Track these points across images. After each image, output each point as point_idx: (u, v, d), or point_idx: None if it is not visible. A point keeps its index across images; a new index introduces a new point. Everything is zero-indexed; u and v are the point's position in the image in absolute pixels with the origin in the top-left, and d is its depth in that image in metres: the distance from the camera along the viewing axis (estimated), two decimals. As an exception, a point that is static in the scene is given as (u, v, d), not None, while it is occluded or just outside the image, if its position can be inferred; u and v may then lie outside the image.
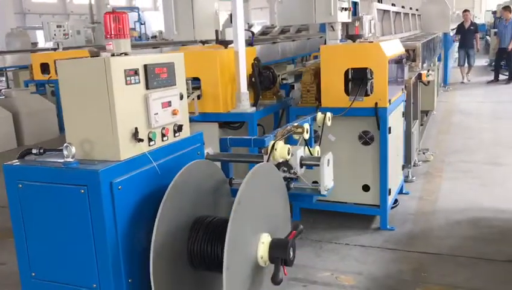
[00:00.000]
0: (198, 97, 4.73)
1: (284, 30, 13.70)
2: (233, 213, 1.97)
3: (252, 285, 2.20)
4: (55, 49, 10.68)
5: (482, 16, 32.85)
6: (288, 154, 2.54)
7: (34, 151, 2.26)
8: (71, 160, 2.12)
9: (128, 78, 2.17)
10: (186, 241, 2.30)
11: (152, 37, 24.34)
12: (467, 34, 14.29)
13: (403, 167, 5.78)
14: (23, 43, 15.74)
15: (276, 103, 5.31)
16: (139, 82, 2.24)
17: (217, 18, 5.51)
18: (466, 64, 14.49)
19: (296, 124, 3.15)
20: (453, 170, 6.60)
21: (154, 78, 2.30)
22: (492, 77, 14.37)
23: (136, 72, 2.21)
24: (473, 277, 3.90)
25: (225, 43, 5.03)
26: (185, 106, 2.59)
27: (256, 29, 18.41)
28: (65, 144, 2.11)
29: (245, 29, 5.52)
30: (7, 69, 14.03)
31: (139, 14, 26.76)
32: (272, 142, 2.57)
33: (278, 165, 2.57)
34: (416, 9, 12.26)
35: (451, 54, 15.19)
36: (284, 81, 6.10)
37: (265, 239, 2.24)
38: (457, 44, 17.61)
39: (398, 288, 3.85)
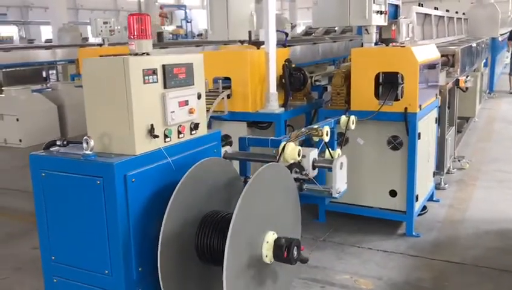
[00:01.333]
0: (229, 96, 4.83)
1: (329, 31, 13.61)
2: (237, 210, 2.05)
3: (254, 280, 2.27)
4: (100, 45, 11.05)
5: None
6: (299, 155, 2.60)
7: (58, 142, 2.43)
8: (89, 152, 2.26)
9: (146, 77, 2.29)
10: (196, 234, 2.40)
11: (198, 35, 24.70)
12: None
13: (435, 174, 5.71)
14: (73, 38, 16.31)
15: (306, 104, 5.35)
16: (157, 81, 2.36)
17: (251, 19, 5.59)
18: None
19: (316, 126, 3.19)
20: (488, 179, 6.44)
21: (172, 77, 2.41)
22: None
23: (154, 72, 2.33)
24: (494, 289, 3.84)
25: (257, 44, 5.11)
26: (203, 105, 2.69)
27: (300, 29, 18.40)
28: (84, 137, 2.26)
29: (279, 30, 5.60)
30: (57, 63, 14.61)
31: (185, 12, 27.21)
32: (283, 143, 2.63)
33: (291, 167, 2.63)
34: (463, 13, 11.97)
35: (501, 60, 14.63)
36: (317, 83, 6.11)
37: (270, 237, 2.30)
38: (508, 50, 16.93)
39: (416, 295, 3.83)
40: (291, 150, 2.61)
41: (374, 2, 4.91)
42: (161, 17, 27.76)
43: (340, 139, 3.83)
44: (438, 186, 5.98)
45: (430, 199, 5.60)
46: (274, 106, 4.83)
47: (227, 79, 4.89)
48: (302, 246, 2.33)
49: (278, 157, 2.63)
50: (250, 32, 5.26)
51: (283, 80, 5.01)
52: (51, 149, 2.46)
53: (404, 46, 4.76)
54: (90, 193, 2.24)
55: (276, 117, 4.78)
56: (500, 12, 13.85)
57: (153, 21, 22.52)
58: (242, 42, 5.74)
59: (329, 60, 10.19)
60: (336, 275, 4.11)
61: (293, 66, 5.22)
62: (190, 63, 2.55)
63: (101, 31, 10.98)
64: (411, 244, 4.63)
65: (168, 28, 27.27)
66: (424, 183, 5.14)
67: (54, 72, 16.04)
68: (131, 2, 33.76)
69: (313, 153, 2.71)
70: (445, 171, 6.21)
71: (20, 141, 9.05)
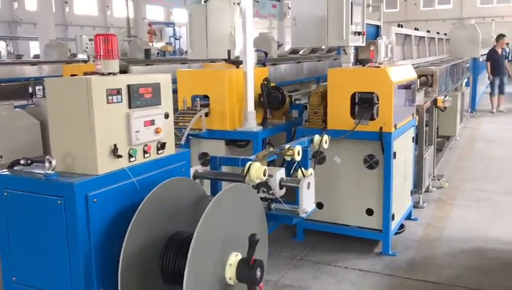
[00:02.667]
0: (207, 114, 4.86)
1: (315, 50, 13.74)
2: (196, 235, 2.05)
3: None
4: (85, 62, 11.06)
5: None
6: (264, 175, 2.61)
7: (22, 161, 2.41)
8: (51, 172, 2.25)
9: (110, 97, 2.30)
10: (160, 255, 2.39)
11: (187, 52, 24.76)
12: (500, 60, 13.89)
13: (413, 193, 5.75)
14: (61, 54, 16.31)
15: (285, 122, 5.39)
16: (122, 101, 2.37)
17: (231, 38, 5.64)
18: (497, 93, 13.81)
19: (287, 146, 3.21)
20: (467, 198, 6.49)
21: (137, 97, 2.42)
22: None
23: (118, 92, 2.34)
24: (467, 309, 3.86)
25: (236, 63, 5.16)
26: (171, 124, 2.69)
27: (287, 47, 18.55)
28: (47, 157, 2.25)
29: (258, 50, 5.66)
30: (44, 79, 14.58)
31: (174, 30, 27.35)
32: (249, 163, 2.64)
33: (258, 186, 2.64)
34: (445, 34, 12.17)
35: (482, 80, 14.83)
36: (297, 102, 6.16)
37: (234, 258, 2.30)
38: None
39: (389, 315, 3.83)
40: (256, 170, 2.62)
41: (351, 23, 4.98)
42: (150, 34, 27.92)
43: (313, 158, 3.84)
44: (416, 205, 6.02)
45: (408, 217, 5.63)
46: (252, 124, 4.85)
47: (206, 97, 4.92)
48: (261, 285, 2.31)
49: (244, 177, 2.64)
50: (229, 52, 5.30)
51: (261, 99, 5.05)
52: (15, 168, 2.44)
53: (379, 67, 4.83)
54: (51, 213, 2.22)
55: (253, 135, 4.81)
56: (484, 32, 14.08)
57: (141, 38, 22.58)
58: (226, 61, 5.78)
59: (314, 78, 10.27)
60: (310, 295, 4.11)
61: (272, 85, 5.27)
62: (157, 83, 2.57)
63: (87, 47, 11.03)
64: (387, 263, 4.64)
65: (157, 45, 27.38)
66: (401, 202, 5.17)
67: (41, 87, 16.01)
68: (121, 19, 33.99)
69: (280, 173, 2.73)
70: (423, 189, 6.26)
71: (1, 157, 8.95)
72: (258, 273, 2.27)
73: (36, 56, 22.05)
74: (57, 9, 28.05)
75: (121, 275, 2.18)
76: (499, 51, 13.58)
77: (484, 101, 15.02)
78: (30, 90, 13.99)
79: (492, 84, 13.87)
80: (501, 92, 13.82)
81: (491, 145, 9.71)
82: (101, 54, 2.42)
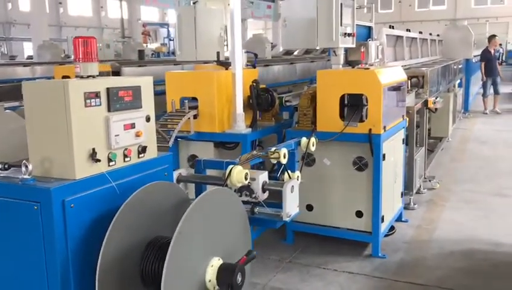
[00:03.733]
0: (195, 116, 4.83)
1: (309, 50, 13.72)
2: (174, 240, 2.02)
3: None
4: (78, 63, 11.01)
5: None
6: (246, 179, 2.59)
7: (-1, 166, 2.38)
8: (28, 177, 2.21)
9: (88, 101, 2.26)
10: (140, 260, 2.36)
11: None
12: (493, 61, 13.94)
13: (404, 194, 5.74)
14: (54, 55, 16.24)
15: (274, 124, 5.37)
16: (101, 104, 2.33)
17: (220, 40, 5.62)
18: (489, 94, 13.82)
19: (273, 149, 3.18)
20: (458, 199, 6.49)
21: (116, 100, 2.39)
22: None
23: (97, 95, 2.30)
24: (455, 310, 3.85)
25: (226, 65, 5.13)
26: (152, 127, 2.66)
27: (281, 48, 18.53)
28: (23, 161, 2.22)
29: (248, 52, 5.64)
30: (37, 80, 14.52)
31: (168, 31, 27.31)
32: (230, 167, 2.61)
33: (241, 189, 2.61)
34: (437, 35, 12.19)
35: (476, 81, 14.85)
36: (288, 104, 6.14)
37: (214, 263, 2.27)
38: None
39: (377, 318, 3.82)
40: (238, 173, 2.59)
41: (341, 25, 4.96)
42: (144, 35, 27.86)
43: (300, 161, 3.82)
44: (407, 207, 6.01)
45: (399, 219, 5.62)
46: (241, 126, 4.83)
47: (194, 99, 4.89)
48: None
49: (225, 181, 2.61)
50: (218, 53, 5.28)
51: (250, 101, 5.03)
52: (-8, 173, 2.41)
53: (368, 69, 4.81)
54: (27, 219, 2.18)
55: (242, 137, 4.78)
56: (478, 33, 14.09)
57: (135, 39, 22.52)
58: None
59: (307, 79, 10.25)
60: (298, 298, 4.08)
61: (262, 86, 5.25)
62: (137, 86, 2.53)
63: (79, 48, 11.00)
64: (377, 265, 4.62)
65: (151, 46, 27.31)
66: (391, 204, 5.15)
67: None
68: (115, 19, 33.91)
69: (263, 176, 2.70)
70: (414, 191, 6.25)
71: (-9, 159, 8.90)
72: (239, 278, 2.24)
73: (30, 57, 21.96)
74: (51, 10, 27.97)
75: (98, 281, 2.15)
76: (492, 51, 13.64)
77: (478, 102, 15.04)
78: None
79: (484, 85, 13.89)
80: (496, 92, 13.82)
81: (484, 146, 9.72)
82: (80, 56, 2.39)
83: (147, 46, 23.51)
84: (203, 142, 4.99)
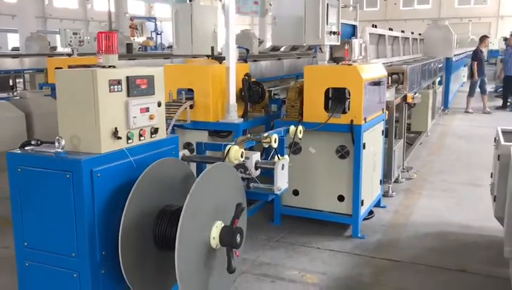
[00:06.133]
0: (192, 107, 5.21)
1: (295, 47, 14.12)
2: (187, 202, 2.43)
3: (204, 264, 2.64)
4: (70, 55, 11.27)
5: (496, 43, 33.07)
6: (242, 157, 3.00)
7: (32, 142, 2.76)
8: (60, 150, 2.61)
9: (111, 87, 2.66)
10: (153, 224, 2.76)
11: (168, 47, 24.98)
12: (483, 60, 14.25)
13: (383, 182, 6.19)
14: (42, 47, 16.37)
15: (264, 115, 5.78)
16: (122, 90, 2.73)
17: (215, 35, 6.00)
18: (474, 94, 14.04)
19: (266, 134, 3.59)
20: (433, 188, 6.98)
21: (134, 87, 2.79)
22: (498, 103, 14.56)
23: (119, 82, 2.70)
24: (425, 282, 4.30)
25: (219, 59, 5.52)
26: (163, 112, 3.06)
27: (269, 44, 18.91)
28: (57, 137, 2.60)
29: (240, 47, 6.03)
30: (25, 72, 14.67)
31: (155, 24, 27.45)
32: (229, 146, 3.03)
33: (237, 167, 3.02)
34: (419, 34, 12.68)
35: (456, 79, 15.41)
36: (276, 96, 6.55)
37: (218, 226, 2.69)
38: (465, 69, 17.51)
39: (355, 288, 4.26)
40: (235, 152, 3.00)
41: (327, 24, 5.38)
42: (131, 28, 27.99)
43: (288, 146, 4.24)
44: (385, 194, 6.47)
45: (378, 205, 6.07)
46: (233, 116, 5.22)
47: (190, 90, 5.27)
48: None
49: (224, 158, 3.02)
50: (212, 48, 5.66)
51: (242, 93, 5.42)
52: (26, 148, 2.79)
53: (351, 65, 5.24)
54: (60, 186, 2.57)
55: (235, 127, 5.17)
56: (461, 33, 14.60)
57: (122, 32, 22.69)
58: (208, 57, 6.14)
59: (293, 75, 10.64)
60: (285, 271, 4.51)
61: (253, 80, 5.65)
62: (151, 75, 2.94)
63: (71, 41, 11.22)
64: (356, 245, 5.06)
65: (139, 40, 27.45)
66: (370, 190, 5.60)
67: (21, 80, 16.07)
68: (101, 12, 33.94)
69: (256, 156, 3.11)
70: (392, 180, 6.71)
71: (-15, 148, 9.13)
72: (238, 238, 2.66)
73: (15, 48, 21.99)
74: (36, 2, 27.94)
75: (121, 239, 2.55)
76: (484, 51, 14.11)
77: (458, 100, 15.62)
78: (10, 82, 14.07)
79: (473, 84, 14.19)
80: (483, 92, 14.10)
81: (461, 140, 10.26)
82: (103, 49, 2.77)
83: (134, 39, 23.71)
84: (197, 131, 5.37)
